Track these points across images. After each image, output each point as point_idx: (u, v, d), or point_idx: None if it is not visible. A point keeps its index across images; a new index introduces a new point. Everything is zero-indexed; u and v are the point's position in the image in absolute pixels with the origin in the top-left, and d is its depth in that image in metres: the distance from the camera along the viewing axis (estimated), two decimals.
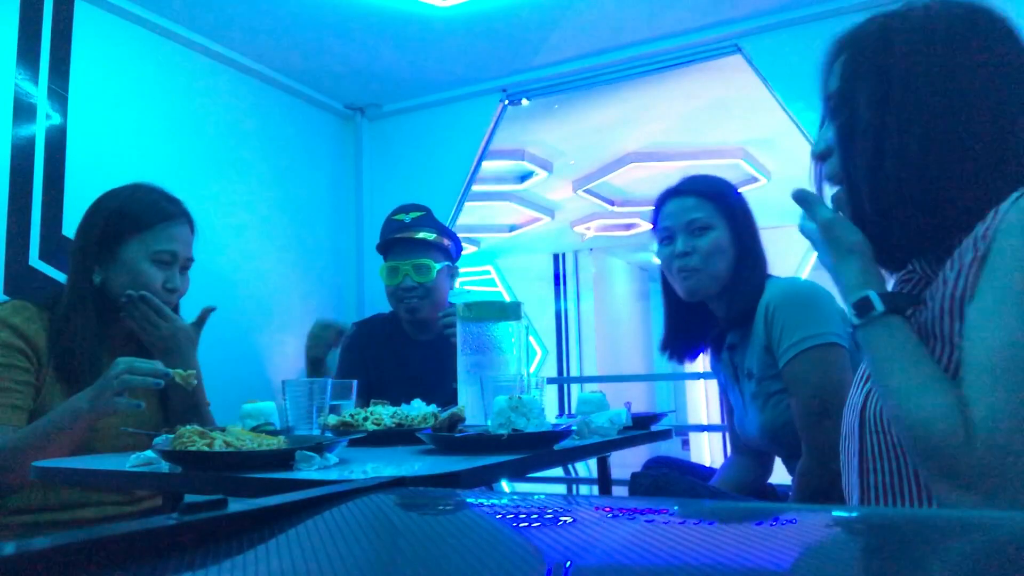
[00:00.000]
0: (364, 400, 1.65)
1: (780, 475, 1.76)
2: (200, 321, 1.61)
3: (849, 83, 0.88)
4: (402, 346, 2.23)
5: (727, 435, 1.99)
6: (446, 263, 2.20)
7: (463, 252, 2.35)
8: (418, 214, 2.22)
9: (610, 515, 0.46)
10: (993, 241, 0.73)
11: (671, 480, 1.46)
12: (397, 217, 2.23)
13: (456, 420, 1.22)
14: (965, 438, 0.70)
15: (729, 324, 1.62)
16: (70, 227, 2.06)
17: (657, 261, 1.71)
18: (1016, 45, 0.83)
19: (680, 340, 1.74)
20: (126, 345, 1.57)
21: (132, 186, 1.61)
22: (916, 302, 0.83)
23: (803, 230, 0.93)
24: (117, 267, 1.53)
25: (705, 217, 1.59)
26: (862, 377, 0.91)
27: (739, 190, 1.68)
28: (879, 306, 0.81)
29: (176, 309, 1.62)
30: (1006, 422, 0.68)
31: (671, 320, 1.74)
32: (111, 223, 1.53)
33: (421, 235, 2.16)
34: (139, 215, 1.54)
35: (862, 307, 0.82)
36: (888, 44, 0.86)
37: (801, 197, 0.91)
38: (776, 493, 1.73)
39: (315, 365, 2.41)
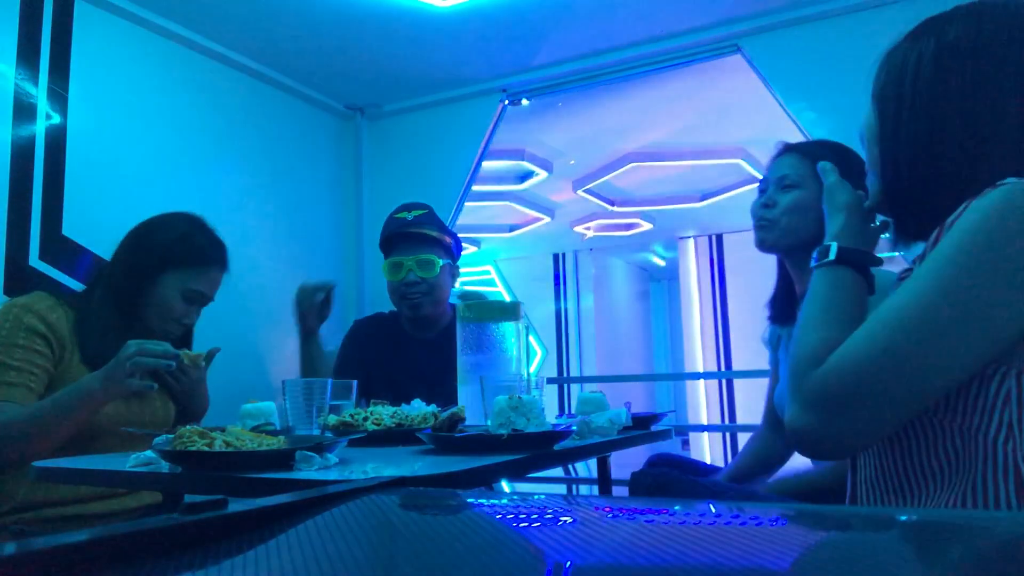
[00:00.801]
0: (364, 399, 1.65)
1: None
2: (208, 358, 1.67)
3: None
4: (403, 344, 2.23)
5: (731, 435, 1.98)
6: (448, 261, 2.20)
7: (463, 252, 2.34)
8: (420, 212, 2.21)
9: (610, 515, 0.46)
10: (947, 230, 0.75)
11: (672, 479, 1.46)
12: (399, 215, 2.22)
13: (456, 420, 1.22)
14: (817, 365, 0.77)
15: (804, 287, 1.60)
16: (70, 227, 2.06)
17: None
18: None
19: (783, 300, 1.72)
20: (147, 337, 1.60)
21: (187, 220, 1.72)
22: (873, 262, 0.91)
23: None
24: (151, 289, 1.64)
25: (796, 176, 1.58)
26: None
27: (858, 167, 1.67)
28: (832, 255, 0.90)
29: (190, 333, 1.77)
30: (856, 361, 0.74)
31: (779, 281, 1.74)
32: (162, 252, 1.65)
33: (424, 231, 2.16)
34: (187, 254, 1.67)
35: (822, 252, 0.91)
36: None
37: (821, 167, 1.04)
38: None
39: (309, 339, 2.34)
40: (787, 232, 1.58)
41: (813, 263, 0.92)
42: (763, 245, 1.63)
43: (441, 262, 2.14)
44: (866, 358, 0.73)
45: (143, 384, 1.36)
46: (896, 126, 0.87)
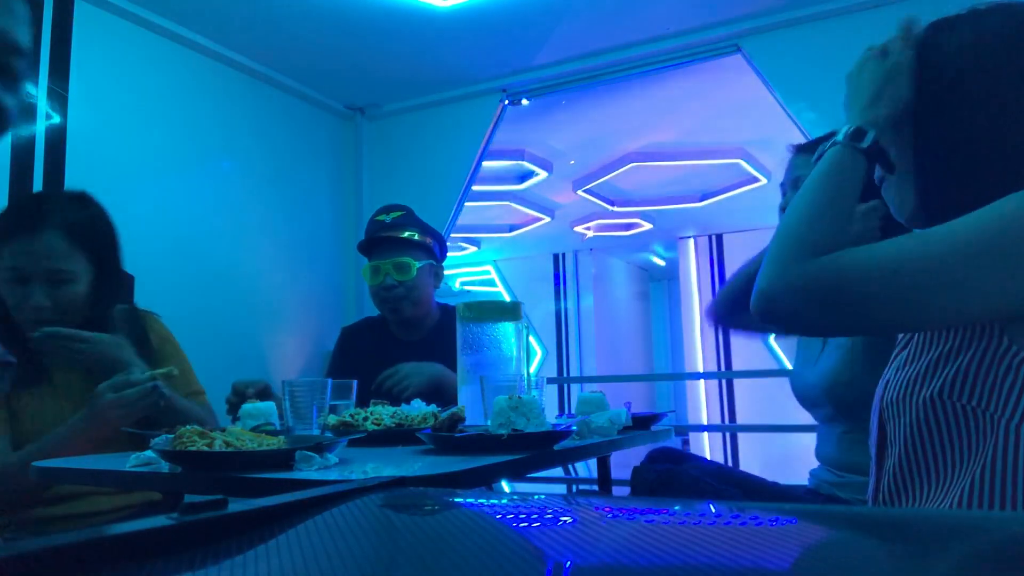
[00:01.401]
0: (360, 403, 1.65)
1: (789, 476, 1.76)
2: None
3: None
4: (391, 347, 2.22)
5: (731, 435, 1.98)
6: (428, 261, 2.18)
7: (464, 252, 2.34)
8: (398, 214, 2.21)
9: (610, 515, 0.46)
10: None
11: (674, 475, 1.45)
12: (379, 218, 2.23)
13: (456, 420, 1.22)
14: (814, 255, 0.78)
15: None
16: None
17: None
18: None
19: None
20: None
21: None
22: (888, 164, 0.87)
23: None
24: None
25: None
26: (888, 365, 0.92)
27: None
28: (866, 141, 0.85)
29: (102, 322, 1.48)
30: (856, 268, 0.75)
31: None
32: None
33: (402, 234, 2.16)
34: None
35: (854, 134, 0.86)
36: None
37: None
38: (780, 491, 1.73)
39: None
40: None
41: (838, 138, 0.87)
42: None
43: (418, 264, 2.14)
44: (874, 269, 0.74)
45: (139, 431, 1.26)
46: (940, 129, 0.83)
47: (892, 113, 0.87)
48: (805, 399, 1.65)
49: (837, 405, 1.54)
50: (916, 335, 0.84)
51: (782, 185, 1.67)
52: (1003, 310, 0.72)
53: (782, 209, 1.61)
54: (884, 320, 0.78)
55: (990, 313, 0.73)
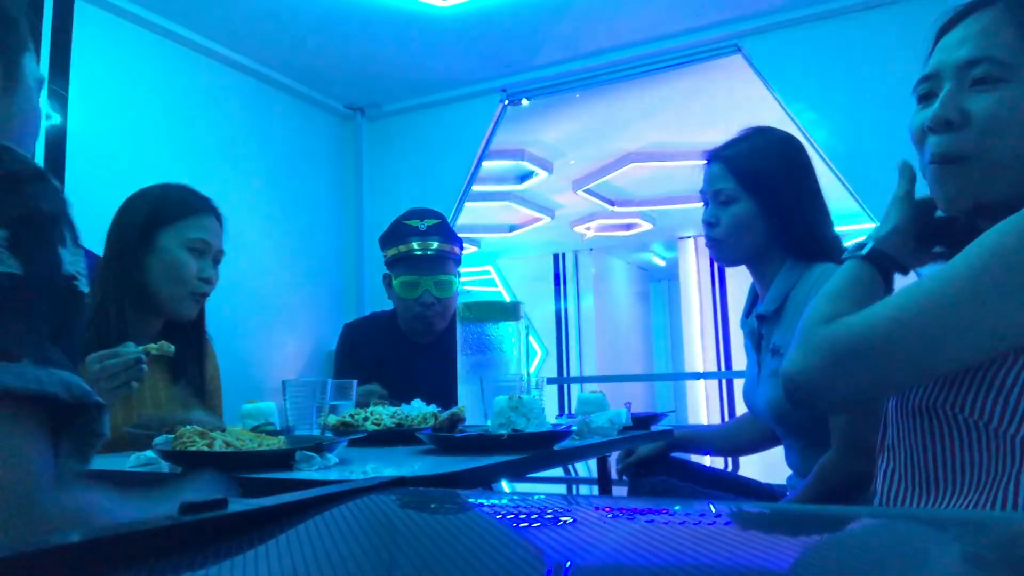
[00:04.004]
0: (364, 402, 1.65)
1: (776, 475, 1.76)
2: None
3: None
4: (403, 348, 2.21)
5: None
6: (458, 272, 2.18)
7: (464, 252, 2.33)
8: (433, 222, 2.14)
9: (610, 515, 0.46)
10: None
11: (669, 487, 1.46)
12: (411, 223, 2.14)
13: (456, 420, 1.22)
14: (825, 323, 0.83)
15: (764, 292, 1.58)
16: None
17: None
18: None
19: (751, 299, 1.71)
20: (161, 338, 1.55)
21: (162, 185, 1.68)
22: (899, 269, 0.94)
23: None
24: (153, 258, 1.58)
25: (729, 189, 1.55)
26: None
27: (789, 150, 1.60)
28: (864, 252, 0.93)
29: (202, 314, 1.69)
30: (868, 322, 0.79)
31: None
32: (148, 216, 1.59)
33: (442, 247, 2.11)
34: (171, 208, 1.61)
35: (858, 246, 0.95)
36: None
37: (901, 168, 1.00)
38: (775, 494, 1.73)
39: None
40: (735, 249, 1.57)
41: (848, 252, 0.96)
42: (719, 262, 1.65)
43: (456, 279, 2.12)
44: (878, 319, 0.78)
45: (123, 389, 1.29)
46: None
47: (900, 217, 0.96)
48: (759, 417, 1.66)
49: (787, 427, 1.55)
50: None
51: (702, 193, 1.64)
52: (1013, 341, 0.73)
53: (706, 223, 1.59)
54: (901, 370, 0.78)
55: (1002, 346, 0.74)
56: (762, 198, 1.53)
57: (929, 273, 0.79)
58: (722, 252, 1.59)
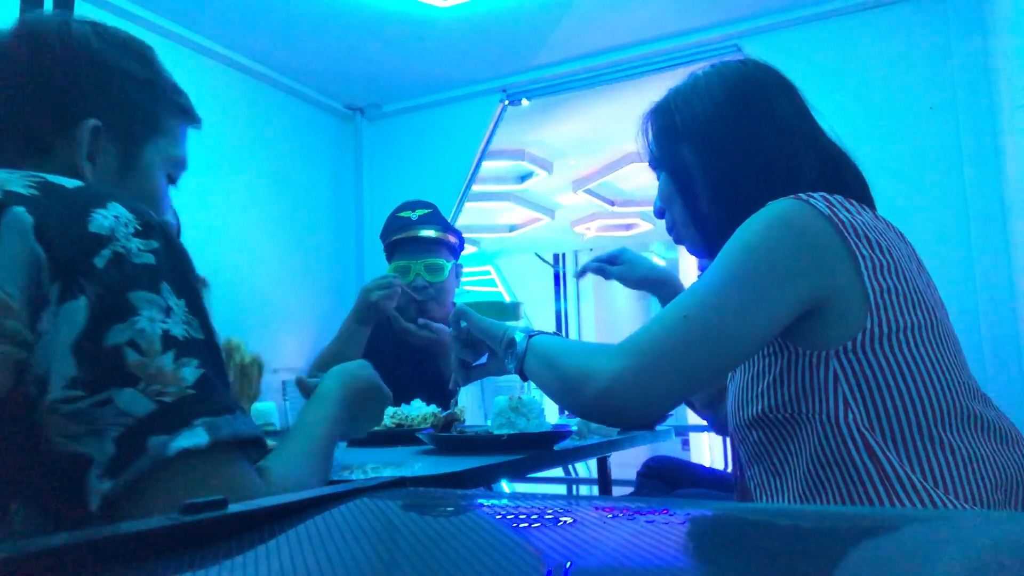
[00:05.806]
0: None
1: None
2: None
3: (661, 147, 1.08)
4: (403, 344, 2.21)
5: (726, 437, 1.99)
6: (455, 261, 2.18)
7: (464, 252, 2.33)
8: (424, 211, 2.17)
9: (610, 515, 0.46)
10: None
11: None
12: (403, 214, 2.18)
13: (451, 420, 1.23)
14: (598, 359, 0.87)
15: None
16: None
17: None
18: (785, 93, 1.13)
19: None
20: None
21: None
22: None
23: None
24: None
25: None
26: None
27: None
28: (523, 340, 1.02)
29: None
30: (662, 324, 0.84)
31: None
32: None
33: (432, 233, 2.13)
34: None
35: (511, 345, 1.04)
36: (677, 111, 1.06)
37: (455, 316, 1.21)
38: None
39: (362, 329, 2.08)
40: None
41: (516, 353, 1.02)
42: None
43: (449, 264, 2.13)
44: (670, 320, 0.83)
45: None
46: (710, 170, 1.00)
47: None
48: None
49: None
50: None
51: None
52: (785, 320, 0.81)
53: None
54: (703, 364, 0.82)
55: (777, 326, 0.82)
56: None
57: (700, 277, 0.86)
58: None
